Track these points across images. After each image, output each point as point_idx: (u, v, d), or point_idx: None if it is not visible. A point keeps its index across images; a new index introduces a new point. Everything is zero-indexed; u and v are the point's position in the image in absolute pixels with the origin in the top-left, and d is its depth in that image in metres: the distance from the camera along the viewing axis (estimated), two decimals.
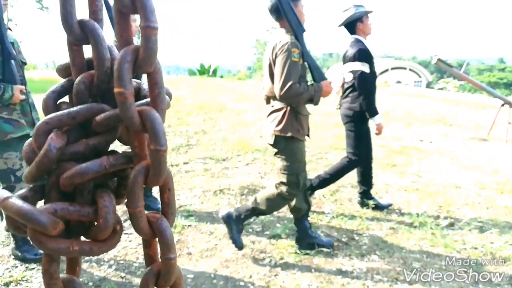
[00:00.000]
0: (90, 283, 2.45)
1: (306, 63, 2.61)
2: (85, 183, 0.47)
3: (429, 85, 34.25)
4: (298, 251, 2.83)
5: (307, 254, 2.81)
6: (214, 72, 21.00)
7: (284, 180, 2.66)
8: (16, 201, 0.42)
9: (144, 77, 0.50)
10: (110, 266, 2.64)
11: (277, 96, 2.51)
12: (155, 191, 3.54)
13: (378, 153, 5.62)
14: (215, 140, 5.88)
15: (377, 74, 3.52)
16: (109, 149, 0.51)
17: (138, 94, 0.52)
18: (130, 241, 2.91)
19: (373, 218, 3.44)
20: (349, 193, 4.05)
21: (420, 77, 36.66)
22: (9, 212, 0.42)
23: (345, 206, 3.72)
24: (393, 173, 4.70)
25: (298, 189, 2.68)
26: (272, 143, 2.64)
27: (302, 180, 2.68)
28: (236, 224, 2.74)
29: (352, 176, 4.56)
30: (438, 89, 21.90)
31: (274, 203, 2.73)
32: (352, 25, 3.47)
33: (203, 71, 20.12)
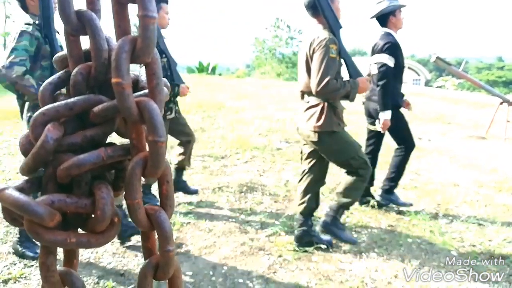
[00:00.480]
0: (90, 280, 2.44)
1: (342, 60, 2.62)
2: (82, 175, 0.46)
3: (427, 83, 34.27)
4: (296, 249, 2.83)
5: (305, 251, 2.81)
6: (213, 70, 20.98)
7: (350, 168, 2.71)
8: (12, 192, 0.42)
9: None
10: (109, 263, 2.63)
11: (314, 92, 2.52)
12: (154, 188, 3.53)
13: None
14: (213, 138, 5.87)
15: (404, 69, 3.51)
16: (107, 141, 0.51)
17: (136, 85, 0.52)
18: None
19: (371, 216, 3.44)
20: None
21: (418, 75, 36.65)
22: (6, 204, 0.42)
23: None
24: None
25: (368, 165, 2.73)
26: (316, 140, 2.67)
27: (364, 155, 2.75)
28: (336, 226, 2.85)
29: None
30: (437, 87, 21.91)
31: (356, 189, 2.77)
32: (384, 18, 3.46)
33: (201, 69, 20.11)
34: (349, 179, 2.77)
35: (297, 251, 2.81)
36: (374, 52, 3.45)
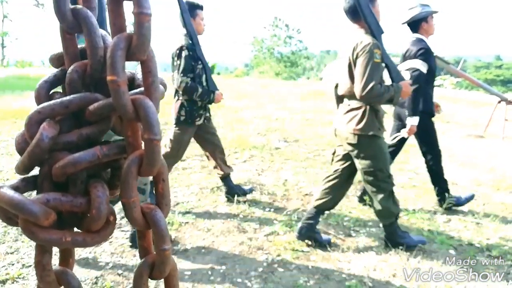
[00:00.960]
0: (87, 280, 2.44)
1: (384, 64, 2.62)
2: (78, 173, 0.46)
3: None
4: (295, 248, 2.83)
5: (303, 251, 2.81)
6: (212, 69, 20.94)
7: (375, 178, 2.70)
8: (7, 191, 0.42)
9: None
10: (107, 263, 2.63)
11: (358, 97, 2.52)
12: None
13: None
14: None
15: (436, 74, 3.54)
16: (102, 140, 0.51)
17: (132, 83, 0.51)
18: (127, 238, 2.90)
19: (370, 215, 3.44)
20: None
21: None
22: (0, 202, 0.41)
23: (342, 203, 3.72)
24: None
25: (391, 179, 2.73)
26: (355, 142, 2.66)
27: (390, 170, 2.75)
28: (402, 237, 2.83)
29: None
30: (435, 86, 21.92)
31: (389, 207, 2.74)
32: (416, 24, 3.47)
33: None
34: (374, 201, 2.76)
35: (295, 250, 2.81)
36: (405, 58, 3.45)
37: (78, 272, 2.49)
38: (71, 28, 0.47)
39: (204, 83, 3.36)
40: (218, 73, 22.22)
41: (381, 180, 2.70)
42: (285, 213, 3.43)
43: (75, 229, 0.48)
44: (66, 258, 0.50)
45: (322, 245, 2.85)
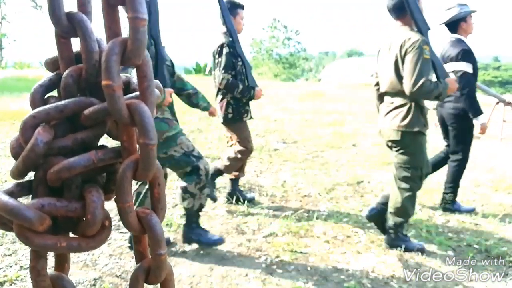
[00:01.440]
0: (85, 282, 2.43)
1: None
2: (73, 178, 0.46)
3: None
4: (294, 249, 2.83)
5: (302, 252, 2.81)
6: (210, 70, 20.91)
7: (408, 174, 2.72)
8: (1, 196, 0.42)
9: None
10: (105, 265, 2.62)
11: (408, 93, 2.53)
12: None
13: (374, 151, 5.63)
14: (211, 139, 5.87)
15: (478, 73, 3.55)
16: (98, 144, 0.50)
17: (128, 88, 0.51)
18: (125, 239, 2.89)
19: None
20: (345, 191, 4.06)
21: None
22: None
23: (341, 204, 3.73)
24: (389, 171, 4.70)
25: (421, 181, 2.76)
26: (398, 138, 2.68)
27: (424, 172, 2.76)
28: (403, 240, 2.83)
29: (348, 174, 4.57)
30: None
31: (408, 207, 2.77)
32: (455, 24, 3.48)
33: (199, 69, 20.06)
34: (397, 196, 2.77)
35: (294, 251, 2.81)
36: (444, 59, 3.43)
37: (76, 274, 2.49)
38: (66, 32, 0.47)
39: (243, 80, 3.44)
40: None
41: (413, 179, 2.72)
42: (284, 215, 3.43)
43: (71, 234, 0.48)
44: (62, 263, 0.50)
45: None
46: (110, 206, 0.51)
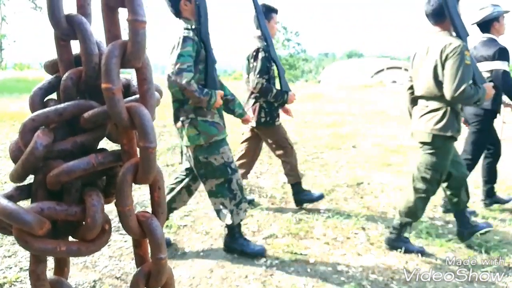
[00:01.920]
0: (85, 284, 2.43)
1: None
2: (72, 182, 0.45)
3: None
4: (294, 251, 2.83)
5: (301, 254, 2.80)
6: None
7: (428, 176, 2.73)
8: (1, 200, 0.41)
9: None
10: (105, 267, 2.62)
11: (449, 98, 2.54)
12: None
13: (373, 152, 5.63)
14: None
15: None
16: (98, 147, 0.50)
17: (128, 90, 0.51)
18: (125, 241, 2.89)
19: (368, 218, 3.43)
20: (344, 193, 4.06)
21: None
22: None
23: (341, 205, 3.72)
24: (389, 172, 4.71)
25: (438, 186, 2.77)
26: (427, 141, 2.70)
27: (442, 178, 2.78)
28: (403, 242, 2.85)
29: (348, 176, 4.57)
30: None
31: (418, 210, 2.79)
32: (487, 24, 3.49)
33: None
34: (411, 196, 2.78)
35: (294, 253, 2.81)
36: (478, 59, 3.42)
37: (76, 275, 2.48)
38: (66, 35, 0.47)
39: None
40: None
41: (430, 181, 2.73)
42: (283, 216, 3.42)
43: (70, 238, 0.47)
44: (61, 267, 0.50)
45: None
46: (110, 207, 0.51)
